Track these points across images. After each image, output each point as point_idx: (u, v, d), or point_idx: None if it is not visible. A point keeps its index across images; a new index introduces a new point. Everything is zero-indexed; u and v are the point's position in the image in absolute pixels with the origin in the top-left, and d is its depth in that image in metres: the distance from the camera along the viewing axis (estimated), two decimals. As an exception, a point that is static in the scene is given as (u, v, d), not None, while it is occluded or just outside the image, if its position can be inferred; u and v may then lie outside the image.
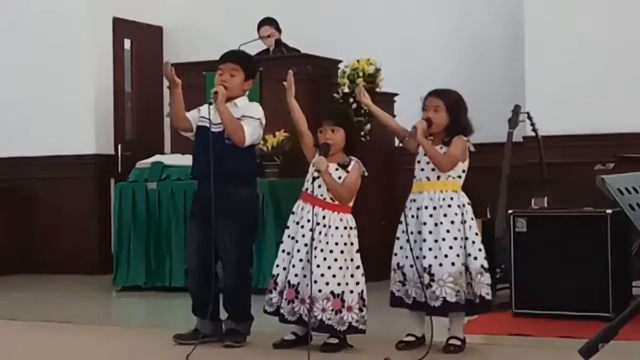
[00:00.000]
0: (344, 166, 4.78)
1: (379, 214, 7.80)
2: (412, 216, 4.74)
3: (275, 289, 4.80)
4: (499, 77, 8.37)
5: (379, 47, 8.15)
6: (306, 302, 4.66)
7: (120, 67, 9.40)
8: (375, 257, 7.58)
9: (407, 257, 4.72)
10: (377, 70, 7.81)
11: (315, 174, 4.67)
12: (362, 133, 7.74)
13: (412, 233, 4.71)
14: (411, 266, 4.69)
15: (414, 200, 4.77)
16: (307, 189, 4.80)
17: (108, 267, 8.12)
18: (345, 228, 4.75)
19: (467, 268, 4.66)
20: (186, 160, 7.56)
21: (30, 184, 9.14)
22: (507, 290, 5.91)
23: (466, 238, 4.68)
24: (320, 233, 4.68)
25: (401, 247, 4.78)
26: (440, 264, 4.63)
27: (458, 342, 4.71)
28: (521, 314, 5.67)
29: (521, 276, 5.73)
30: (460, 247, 4.66)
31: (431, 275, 4.64)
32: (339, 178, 4.76)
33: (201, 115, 5.08)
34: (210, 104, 4.90)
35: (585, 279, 5.54)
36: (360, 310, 4.72)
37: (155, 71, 9.47)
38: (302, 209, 4.79)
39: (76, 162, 9.00)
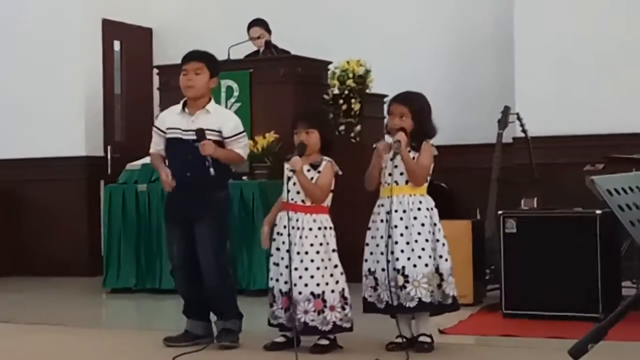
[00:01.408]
0: (315, 167, 4.82)
1: (368, 216, 7.79)
2: (382, 220, 4.80)
3: (274, 302, 4.83)
4: (489, 78, 8.38)
5: (368, 49, 8.15)
6: (290, 306, 4.70)
7: (109, 68, 9.38)
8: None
9: (378, 261, 4.77)
10: (367, 71, 7.82)
11: (290, 174, 4.71)
12: (352, 134, 7.75)
13: (382, 237, 4.76)
14: (383, 270, 4.74)
15: (382, 205, 4.82)
16: (283, 198, 4.84)
17: (98, 269, 8.11)
18: (319, 228, 4.78)
19: (437, 269, 4.73)
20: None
21: (20, 186, 9.12)
22: (497, 291, 5.92)
23: (437, 240, 4.76)
24: (295, 236, 4.71)
25: (371, 253, 4.83)
26: (414, 265, 4.69)
27: (428, 339, 4.77)
28: (511, 315, 5.68)
29: (511, 277, 5.74)
30: (432, 248, 4.74)
31: (405, 276, 4.69)
32: (311, 179, 4.80)
33: (168, 127, 5.07)
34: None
35: (575, 280, 5.56)
36: (343, 308, 4.77)
37: (145, 73, 9.49)
38: (281, 218, 4.83)
39: (66, 164, 8.97)
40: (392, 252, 4.72)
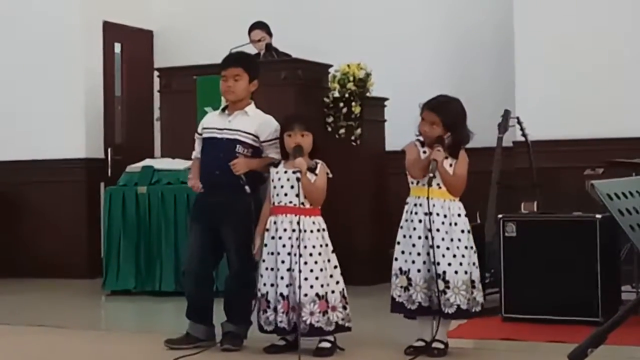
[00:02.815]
0: (312, 169, 4.82)
1: (368, 218, 7.81)
2: (420, 221, 4.71)
3: (268, 307, 4.80)
4: (489, 81, 8.38)
5: (369, 52, 8.15)
6: (296, 309, 4.69)
7: (110, 70, 9.38)
8: (366, 261, 7.63)
9: (413, 262, 4.70)
10: (368, 74, 7.82)
11: (299, 175, 4.70)
12: (353, 137, 7.75)
13: (419, 238, 4.69)
14: (418, 271, 4.69)
15: (420, 205, 4.71)
16: (275, 203, 4.82)
17: (98, 271, 8.11)
18: (318, 230, 4.80)
19: (471, 276, 4.70)
20: (176, 164, 7.58)
21: (20, 188, 9.11)
22: (496, 294, 5.92)
23: (471, 247, 4.73)
24: (297, 239, 4.71)
25: (403, 252, 4.75)
26: (456, 272, 4.65)
27: (442, 346, 4.73)
28: (511, 319, 5.68)
29: (511, 281, 5.73)
30: (470, 256, 4.71)
31: (446, 282, 4.64)
32: (310, 181, 4.79)
33: (205, 127, 5.10)
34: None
35: (575, 284, 5.55)
36: (344, 308, 4.79)
37: (146, 75, 9.50)
38: (275, 222, 4.81)
39: (66, 166, 8.97)
40: (429, 254, 4.66)
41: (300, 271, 4.68)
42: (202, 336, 5.07)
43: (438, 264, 4.64)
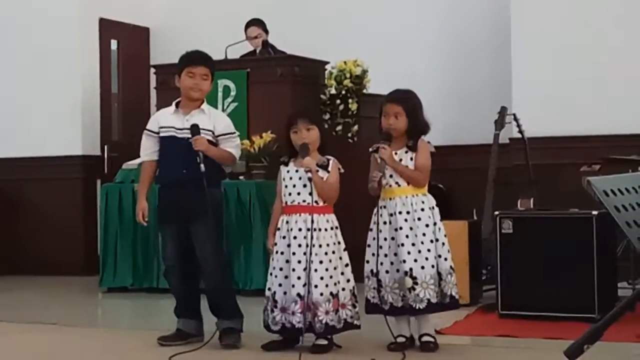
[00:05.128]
0: (324, 167, 4.80)
1: (366, 215, 7.79)
2: (385, 222, 4.79)
3: (276, 307, 4.77)
4: (486, 78, 8.39)
5: (365, 49, 8.15)
6: (311, 307, 4.65)
7: (106, 67, 9.37)
8: (362, 259, 7.62)
9: (382, 263, 4.77)
10: (364, 71, 7.82)
11: (309, 175, 4.68)
12: (349, 134, 7.75)
13: (385, 239, 4.76)
14: (387, 272, 4.75)
15: (384, 207, 4.80)
16: (287, 202, 4.80)
17: (94, 269, 8.11)
18: (332, 228, 4.78)
19: (437, 269, 4.74)
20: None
21: (16, 185, 9.11)
22: (493, 291, 5.92)
23: (437, 240, 4.77)
24: (312, 238, 4.68)
25: (373, 254, 4.82)
26: (422, 267, 4.70)
27: (432, 339, 4.78)
28: (507, 315, 5.68)
29: (507, 277, 5.74)
30: (436, 248, 4.75)
31: (414, 278, 4.69)
32: (321, 179, 4.77)
33: (161, 126, 5.10)
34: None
35: (571, 280, 5.56)
36: (354, 306, 4.79)
37: (142, 72, 9.49)
38: (287, 222, 4.78)
39: (62, 163, 8.97)
40: (396, 254, 4.73)
41: (316, 270, 4.66)
42: (194, 331, 5.10)
43: (404, 261, 4.69)
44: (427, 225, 4.74)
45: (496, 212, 5.89)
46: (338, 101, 7.76)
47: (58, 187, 8.95)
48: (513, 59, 7.72)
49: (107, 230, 7.66)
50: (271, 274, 4.82)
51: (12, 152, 9.12)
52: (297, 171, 4.80)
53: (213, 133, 5.04)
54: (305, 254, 4.67)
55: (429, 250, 4.72)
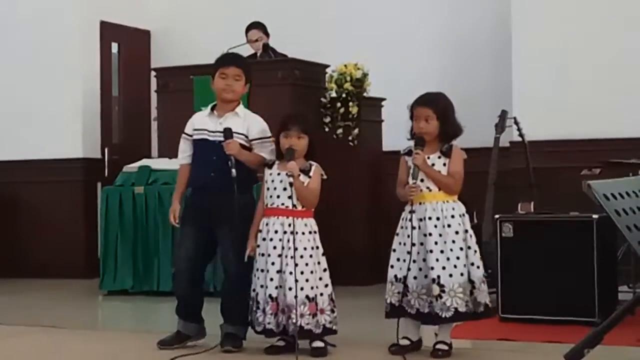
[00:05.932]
0: (305, 172, 4.81)
1: (365, 219, 7.81)
2: (414, 227, 4.67)
3: (258, 308, 4.81)
4: (486, 81, 8.39)
5: (366, 52, 8.15)
6: (285, 311, 4.70)
7: (107, 70, 9.38)
8: (363, 261, 7.63)
9: (409, 269, 4.66)
10: (365, 75, 7.83)
11: (291, 179, 4.70)
12: (350, 138, 7.75)
13: (414, 245, 4.65)
14: (415, 278, 4.67)
15: (414, 212, 4.68)
16: (268, 204, 4.82)
17: (95, 271, 8.10)
18: (310, 232, 4.80)
19: (469, 277, 4.67)
20: (173, 164, 7.54)
21: (17, 187, 9.11)
22: (493, 295, 5.91)
23: (469, 247, 4.69)
24: (288, 241, 4.71)
25: (398, 259, 4.73)
26: (450, 275, 4.62)
27: (445, 347, 4.72)
28: (508, 319, 5.68)
29: (508, 281, 5.74)
30: (465, 256, 4.67)
31: (441, 286, 4.61)
32: (302, 184, 4.79)
33: (195, 128, 5.09)
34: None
35: (572, 284, 5.56)
36: (332, 311, 4.80)
37: (143, 75, 9.49)
38: (267, 224, 4.81)
39: (63, 165, 8.97)
40: (424, 260, 4.66)
41: (291, 273, 4.69)
42: (193, 333, 5.11)
43: (432, 268, 4.63)
44: (456, 233, 4.65)
45: (496, 216, 5.89)
46: (338, 104, 7.76)
47: (58, 190, 8.96)
48: (513, 63, 7.72)
49: (107, 233, 7.66)
50: (254, 275, 4.85)
51: (13, 155, 9.12)
52: (279, 174, 4.83)
53: (247, 137, 5.00)
54: (279, 256, 4.72)
55: (458, 258, 4.63)
